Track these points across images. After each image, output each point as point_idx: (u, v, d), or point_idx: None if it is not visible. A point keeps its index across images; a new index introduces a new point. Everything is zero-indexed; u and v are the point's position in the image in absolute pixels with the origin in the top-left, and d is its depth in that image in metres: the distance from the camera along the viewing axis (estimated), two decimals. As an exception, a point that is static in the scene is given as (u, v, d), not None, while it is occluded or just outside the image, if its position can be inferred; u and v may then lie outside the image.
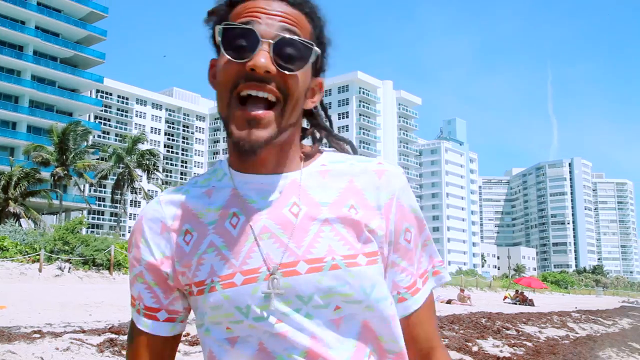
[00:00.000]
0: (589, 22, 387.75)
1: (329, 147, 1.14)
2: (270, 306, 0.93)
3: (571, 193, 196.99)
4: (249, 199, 1.00)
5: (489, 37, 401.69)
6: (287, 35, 0.95)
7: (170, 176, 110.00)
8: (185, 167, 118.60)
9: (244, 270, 0.95)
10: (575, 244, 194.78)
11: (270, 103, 0.95)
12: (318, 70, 1.06)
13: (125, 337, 8.36)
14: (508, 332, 14.51)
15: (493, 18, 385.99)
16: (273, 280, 0.93)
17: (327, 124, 1.15)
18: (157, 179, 63.63)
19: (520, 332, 14.80)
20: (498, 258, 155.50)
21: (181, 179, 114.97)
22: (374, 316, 0.97)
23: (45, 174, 48.29)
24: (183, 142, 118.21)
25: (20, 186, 44.06)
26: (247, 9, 0.97)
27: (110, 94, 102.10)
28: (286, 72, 0.95)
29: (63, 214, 51.63)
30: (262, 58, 0.92)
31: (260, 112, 0.94)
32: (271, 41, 0.94)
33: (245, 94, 0.94)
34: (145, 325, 1.05)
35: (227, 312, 0.95)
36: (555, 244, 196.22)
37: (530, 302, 34.53)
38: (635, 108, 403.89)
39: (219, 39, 0.96)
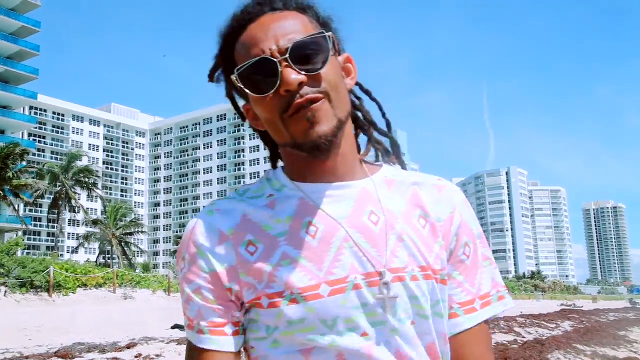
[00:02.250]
0: (521, 38, 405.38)
1: (368, 142, 1.12)
2: (358, 318, 0.90)
3: (509, 201, 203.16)
4: (323, 208, 0.96)
5: (425, 53, 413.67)
6: (296, 39, 0.93)
7: (111, 193, 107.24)
8: (126, 183, 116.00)
9: (330, 281, 0.90)
10: (514, 250, 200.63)
11: (313, 102, 0.93)
12: (337, 49, 1.02)
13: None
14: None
15: (428, 35, 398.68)
16: (364, 290, 0.91)
17: (376, 105, 1.12)
18: (97, 196, 61.94)
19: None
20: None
21: (122, 196, 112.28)
22: (439, 334, 0.96)
23: (-24, 194, 46.19)
24: (123, 159, 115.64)
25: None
26: (247, 42, 0.95)
27: (45, 111, 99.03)
28: (315, 72, 0.93)
29: (-4, 235, 49.42)
30: (290, 75, 0.90)
31: (315, 107, 0.91)
32: (285, 55, 0.91)
33: (292, 111, 0.92)
34: (213, 343, 0.94)
35: (309, 326, 0.89)
36: (495, 251, 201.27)
37: (475, 309, 35.14)
38: (566, 119, 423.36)
39: (240, 86, 0.94)
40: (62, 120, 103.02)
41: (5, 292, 24.32)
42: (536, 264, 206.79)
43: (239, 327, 0.96)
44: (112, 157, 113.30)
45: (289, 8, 0.98)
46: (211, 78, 1.05)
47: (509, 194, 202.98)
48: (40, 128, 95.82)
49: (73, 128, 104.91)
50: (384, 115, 1.12)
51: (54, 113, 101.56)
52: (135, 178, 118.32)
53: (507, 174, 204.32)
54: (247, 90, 0.94)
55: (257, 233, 0.96)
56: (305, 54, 0.92)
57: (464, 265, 1.01)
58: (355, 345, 0.89)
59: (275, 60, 0.91)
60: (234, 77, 0.94)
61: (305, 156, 0.96)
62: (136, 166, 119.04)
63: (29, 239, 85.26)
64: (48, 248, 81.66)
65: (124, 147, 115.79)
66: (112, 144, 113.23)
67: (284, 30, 0.94)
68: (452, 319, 1.00)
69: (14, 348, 10.97)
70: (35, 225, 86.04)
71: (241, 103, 1.06)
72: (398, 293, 0.92)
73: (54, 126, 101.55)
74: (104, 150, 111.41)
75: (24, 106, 73.74)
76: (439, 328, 0.96)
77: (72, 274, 28.05)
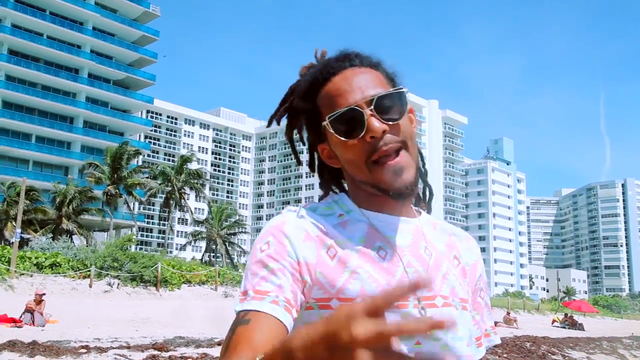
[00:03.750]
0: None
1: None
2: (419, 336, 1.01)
3: (624, 215, 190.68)
4: (389, 236, 1.11)
5: (536, 56, 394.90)
6: (379, 92, 1.08)
7: (217, 195, 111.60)
8: (232, 185, 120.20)
9: None
10: (629, 267, 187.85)
11: (397, 152, 1.08)
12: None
13: (167, 354, 8.58)
14: (554, 357, 14.18)
15: (540, 37, 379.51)
16: (422, 308, 1.04)
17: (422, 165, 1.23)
18: (205, 197, 64.77)
19: (566, 358, 14.44)
20: (547, 280, 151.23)
21: (227, 197, 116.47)
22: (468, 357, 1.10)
23: (97, 192, 49.81)
24: (230, 161, 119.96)
25: (74, 204, 45.57)
26: (332, 92, 1.10)
27: (160, 114, 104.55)
28: (395, 122, 1.08)
29: (113, 231, 53.03)
30: (375, 124, 1.05)
31: (399, 159, 1.07)
32: (370, 106, 1.06)
33: (377, 157, 1.07)
34: (284, 316, 0.96)
35: None
36: (607, 267, 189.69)
37: (580, 327, 33.52)
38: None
39: (331, 131, 1.08)
40: (175, 123, 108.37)
41: (118, 284, 26.16)
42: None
43: (297, 316, 1.00)
44: (220, 159, 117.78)
45: (365, 65, 1.14)
46: (277, 121, 1.24)
47: (624, 207, 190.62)
48: (155, 131, 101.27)
49: (185, 131, 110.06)
50: (424, 164, 1.25)
51: (167, 117, 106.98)
52: (241, 180, 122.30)
53: (622, 186, 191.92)
54: (336, 135, 1.08)
55: (335, 243, 1.07)
56: (387, 106, 1.07)
57: (480, 306, 1.22)
58: (408, 356, 1.00)
59: (361, 110, 1.06)
60: (325, 123, 1.09)
61: (377, 194, 1.11)
62: (242, 169, 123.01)
63: (141, 236, 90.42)
64: (159, 245, 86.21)
65: (230, 150, 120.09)
66: (220, 146, 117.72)
67: (367, 83, 1.10)
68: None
69: (121, 337, 11.88)
70: (148, 223, 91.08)
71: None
72: (447, 316, 1.06)
73: (167, 129, 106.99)
74: (212, 153, 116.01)
75: (142, 110, 78.40)
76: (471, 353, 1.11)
77: (178, 271, 29.63)
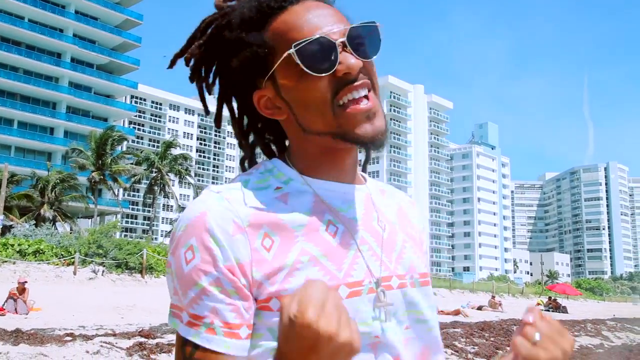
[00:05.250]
0: (625, 23, 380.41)
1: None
2: (372, 322, 0.90)
3: (607, 198, 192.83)
4: (338, 208, 0.96)
5: (522, 41, 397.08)
6: (352, 25, 0.93)
7: (202, 180, 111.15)
8: (217, 171, 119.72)
9: (348, 283, 0.89)
10: (610, 250, 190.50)
11: (366, 95, 0.93)
12: None
13: (154, 342, 8.49)
14: (539, 340, 14.27)
15: (526, 22, 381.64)
16: (380, 293, 0.91)
17: None
18: (189, 183, 64.46)
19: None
20: (531, 264, 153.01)
21: (213, 183, 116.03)
22: (431, 338, 0.99)
23: (81, 178, 49.33)
24: (215, 147, 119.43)
25: (57, 190, 45.11)
26: (293, 21, 0.94)
27: (144, 100, 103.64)
28: (369, 59, 0.94)
29: (97, 217, 52.64)
30: (350, 59, 0.91)
31: (370, 103, 0.92)
32: (344, 38, 0.92)
33: (345, 100, 0.91)
34: (226, 346, 0.84)
35: None
36: (590, 250, 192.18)
37: (563, 310, 33.94)
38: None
39: (298, 61, 0.91)
40: (160, 109, 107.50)
41: (103, 271, 25.94)
42: (635, 265, 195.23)
43: (250, 331, 0.87)
44: (205, 145, 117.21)
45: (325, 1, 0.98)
46: (186, 60, 1.03)
47: (607, 191, 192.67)
48: (140, 116, 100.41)
49: (169, 116, 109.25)
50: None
51: (152, 102, 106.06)
52: (226, 166, 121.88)
53: (605, 169, 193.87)
54: (303, 66, 0.90)
55: (272, 225, 0.90)
56: (361, 41, 0.93)
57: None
58: (367, 349, 0.89)
59: (333, 41, 0.91)
60: (291, 52, 0.91)
61: (331, 150, 0.97)
62: (227, 154, 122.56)
63: (126, 222, 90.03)
64: (143, 231, 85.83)
65: (216, 135, 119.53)
66: (205, 132, 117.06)
67: (334, 17, 0.94)
68: None
69: (107, 325, 11.77)
70: (133, 209, 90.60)
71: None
72: (401, 297, 0.95)
73: (152, 114, 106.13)
74: (198, 139, 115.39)
75: (126, 95, 77.58)
76: (434, 333, 1.00)
77: (163, 257, 29.47)
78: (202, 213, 0.88)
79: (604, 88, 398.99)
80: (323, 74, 0.91)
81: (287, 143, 1.06)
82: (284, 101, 0.96)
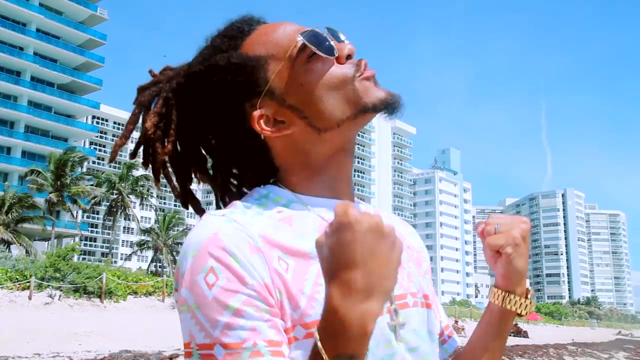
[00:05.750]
0: (582, 54, 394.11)
1: None
2: (391, 343, 0.86)
3: (564, 224, 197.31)
4: None
5: (483, 69, 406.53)
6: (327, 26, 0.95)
7: (165, 203, 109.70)
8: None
9: None
10: (568, 275, 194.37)
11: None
12: None
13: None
14: (504, 366, 14.31)
15: (487, 50, 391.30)
16: (395, 312, 0.88)
17: None
18: (151, 205, 63.45)
19: (516, 366, 14.62)
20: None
21: (175, 205, 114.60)
22: None
23: (38, 199, 48.05)
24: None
25: (13, 212, 43.79)
26: (276, 29, 0.93)
27: (106, 120, 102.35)
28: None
29: (55, 240, 51.23)
30: (347, 45, 0.92)
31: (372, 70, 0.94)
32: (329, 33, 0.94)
33: (361, 73, 0.92)
34: None
35: None
36: (548, 275, 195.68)
37: (524, 334, 34.26)
38: (628, 139, 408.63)
39: (313, 48, 0.89)
40: (122, 129, 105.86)
41: (60, 296, 25.14)
42: (592, 290, 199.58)
43: (289, 351, 0.79)
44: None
45: None
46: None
47: (564, 217, 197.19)
48: (101, 137, 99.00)
49: (132, 138, 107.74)
50: None
51: (114, 122, 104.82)
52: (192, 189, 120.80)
53: (563, 196, 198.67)
54: (318, 52, 0.89)
55: (283, 249, 0.84)
56: (340, 38, 0.94)
57: (433, 296, 1.03)
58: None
59: (323, 33, 0.91)
60: (299, 39, 0.90)
61: (341, 153, 0.94)
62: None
63: (85, 245, 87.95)
64: (103, 254, 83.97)
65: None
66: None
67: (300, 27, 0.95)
68: (443, 345, 1.05)
69: (64, 352, 11.35)
70: (92, 232, 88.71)
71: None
72: (417, 316, 0.93)
73: (114, 135, 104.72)
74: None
75: (87, 115, 76.32)
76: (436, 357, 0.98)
77: (123, 281, 28.78)
78: (215, 234, 0.80)
79: (562, 116, 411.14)
80: (332, 56, 0.90)
81: (274, 167, 0.98)
82: (291, 109, 0.91)
